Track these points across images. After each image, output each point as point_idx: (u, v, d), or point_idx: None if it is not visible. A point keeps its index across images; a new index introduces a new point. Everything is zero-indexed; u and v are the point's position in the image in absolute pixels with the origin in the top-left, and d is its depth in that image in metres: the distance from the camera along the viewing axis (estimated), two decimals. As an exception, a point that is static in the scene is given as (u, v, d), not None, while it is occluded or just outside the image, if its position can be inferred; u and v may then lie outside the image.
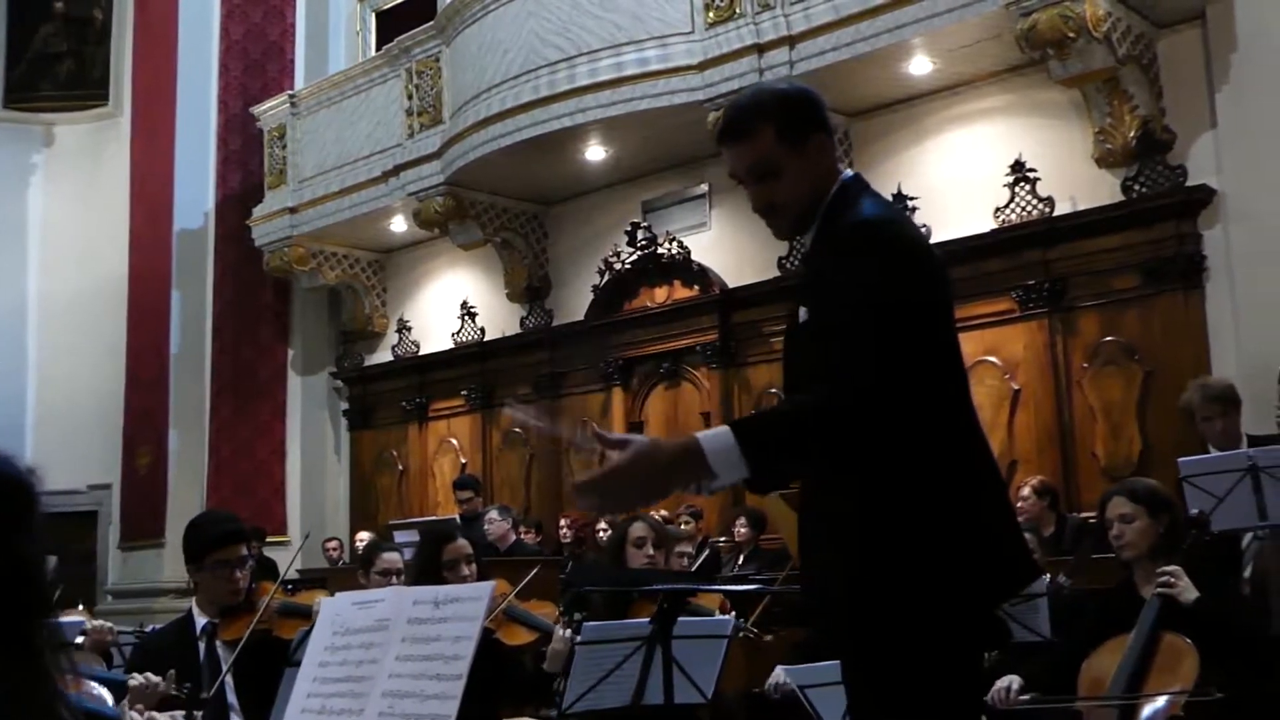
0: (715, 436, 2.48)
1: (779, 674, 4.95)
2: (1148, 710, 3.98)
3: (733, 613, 5.01)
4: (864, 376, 2.51)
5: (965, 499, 2.62)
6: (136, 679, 3.54)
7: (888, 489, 2.60)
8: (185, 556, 4.37)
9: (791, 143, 2.73)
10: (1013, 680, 4.55)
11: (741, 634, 4.93)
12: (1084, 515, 8.42)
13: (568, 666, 4.23)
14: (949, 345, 2.71)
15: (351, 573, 8.81)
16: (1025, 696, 4.48)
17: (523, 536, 10.54)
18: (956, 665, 2.62)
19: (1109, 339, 9.19)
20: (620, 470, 2.45)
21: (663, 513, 9.70)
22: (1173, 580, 4.22)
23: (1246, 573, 5.41)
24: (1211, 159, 8.77)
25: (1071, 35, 8.31)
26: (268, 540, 12.47)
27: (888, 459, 2.58)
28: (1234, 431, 5.90)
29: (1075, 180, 9.38)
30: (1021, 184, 9.53)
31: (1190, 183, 8.83)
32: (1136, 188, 9.08)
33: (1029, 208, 9.50)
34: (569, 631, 4.69)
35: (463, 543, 4.94)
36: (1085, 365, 9.28)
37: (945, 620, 2.58)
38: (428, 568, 4.81)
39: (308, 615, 4.20)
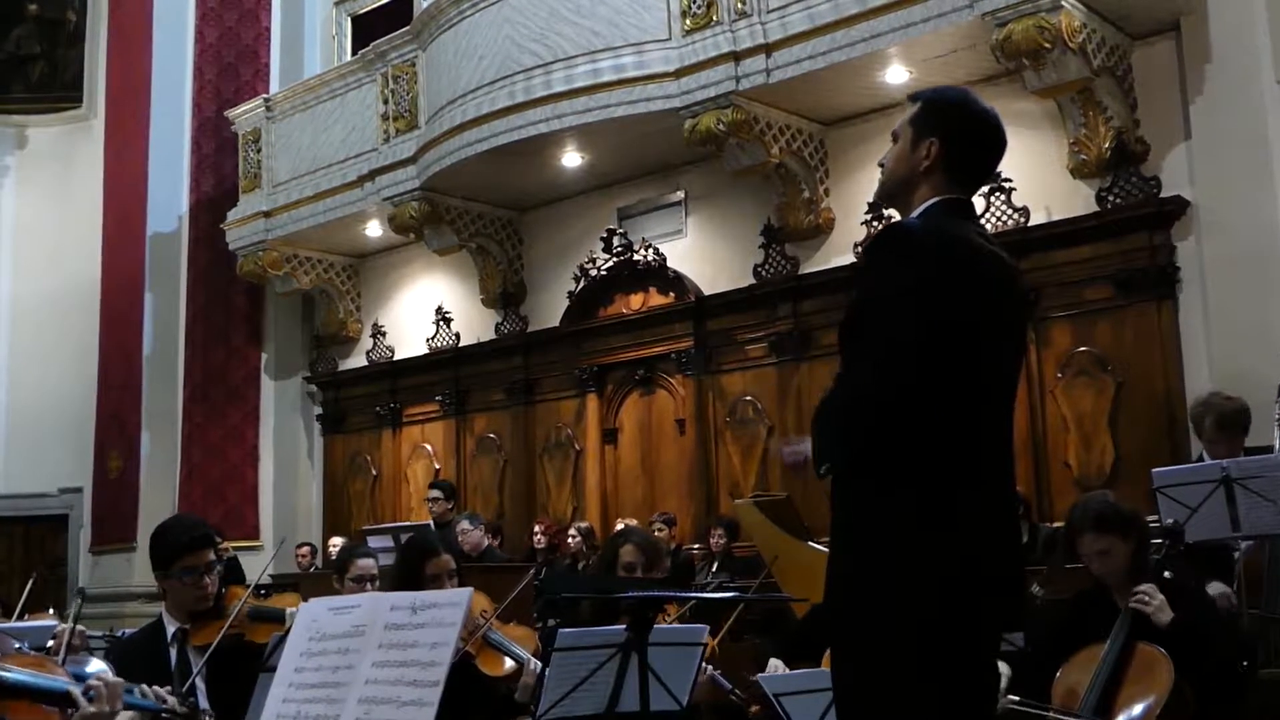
0: None
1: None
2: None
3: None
4: (860, 385, 2.81)
5: (946, 516, 2.73)
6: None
7: (875, 501, 2.79)
8: (152, 564, 4.27)
9: (918, 129, 3.09)
10: (1004, 667, 4.37)
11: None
12: (1056, 525, 8.45)
13: (538, 697, 4.17)
14: (963, 355, 2.80)
15: (324, 578, 8.77)
16: (1013, 697, 4.41)
17: (493, 544, 10.49)
18: (923, 667, 2.71)
19: (1082, 349, 9.24)
20: None
21: (632, 521, 9.73)
22: (1147, 599, 4.17)
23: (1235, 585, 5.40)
24: (1185, 170, 8.82)
25: (1047, 46, 8.34)
26: (240, 545, 12.45)
27: (880, 469, 2.77)
28: (1237, 455, 5.84)
29: (1050, 190, 9.43)
30: (997, 194, 9.56)
31: (1164, 194, 8.88)
32: (1111, 199, 9.12)
33: (1004, 217, 9.53)
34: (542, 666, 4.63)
35: (447, 557, 4.87)
36: (1058, 375, 9.32)
37: (912, 629, 2.70)
38: (408, 580, 4.74)
39: (281, 620, 4.14)
